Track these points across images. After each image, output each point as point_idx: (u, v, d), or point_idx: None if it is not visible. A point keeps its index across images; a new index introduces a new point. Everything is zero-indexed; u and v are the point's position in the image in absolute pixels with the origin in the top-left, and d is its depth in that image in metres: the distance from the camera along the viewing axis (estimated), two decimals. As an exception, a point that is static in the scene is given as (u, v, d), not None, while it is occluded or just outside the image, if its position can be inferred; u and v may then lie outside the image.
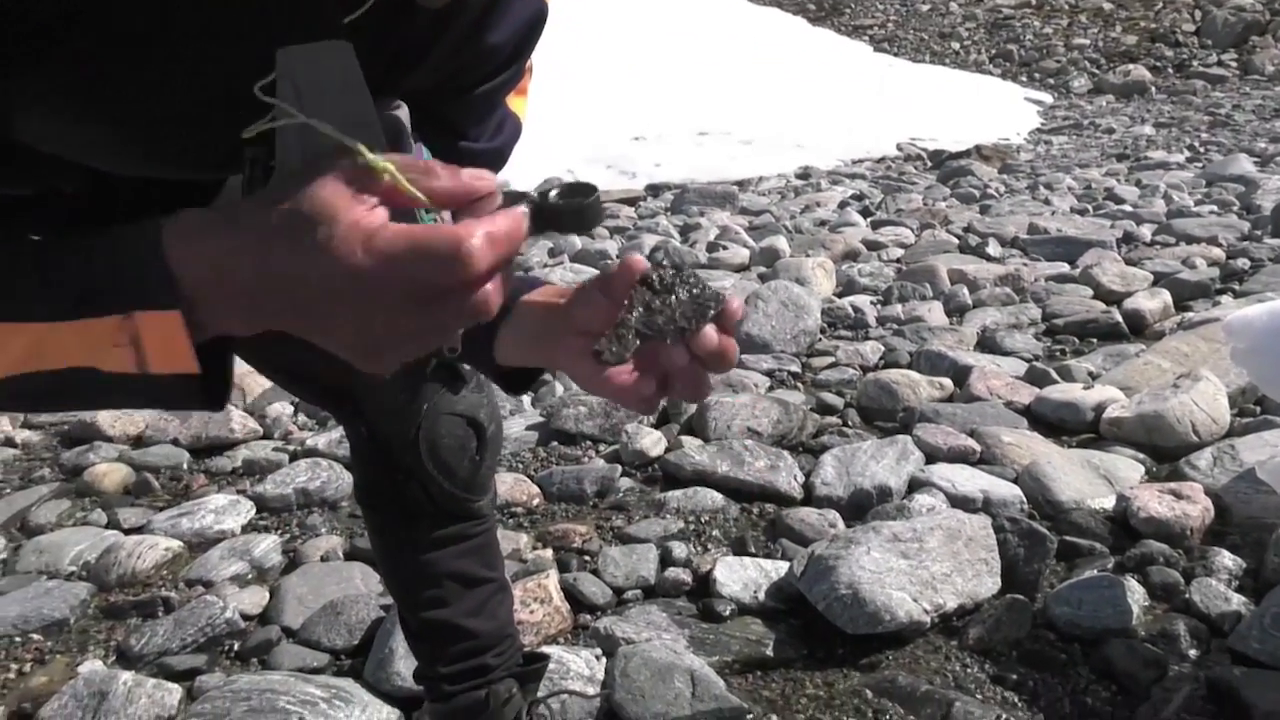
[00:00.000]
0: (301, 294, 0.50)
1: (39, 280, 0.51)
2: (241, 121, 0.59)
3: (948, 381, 2.64)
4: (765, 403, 2.44)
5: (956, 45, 15.12)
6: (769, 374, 2.93)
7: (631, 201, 6.93)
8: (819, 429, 2.44)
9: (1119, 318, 3.27)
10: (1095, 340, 3.19)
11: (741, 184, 8.05)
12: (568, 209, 0.60)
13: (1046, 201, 5.79)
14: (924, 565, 1.59)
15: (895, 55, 14.80)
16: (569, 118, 9.06)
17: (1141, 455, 2.13)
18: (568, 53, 10.55)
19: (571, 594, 1.71)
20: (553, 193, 0.61)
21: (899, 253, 4.54)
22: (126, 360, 0.52)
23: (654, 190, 7.75)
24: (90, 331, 0.51)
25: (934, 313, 3.50)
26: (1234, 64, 13.57)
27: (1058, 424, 2.36)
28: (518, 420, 2.61)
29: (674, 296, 0.62)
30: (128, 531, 2.09)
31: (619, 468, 2.24)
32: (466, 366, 1.09)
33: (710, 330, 0.62)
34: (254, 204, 0.52)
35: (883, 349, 3.12)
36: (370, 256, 0.49)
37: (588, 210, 0.61)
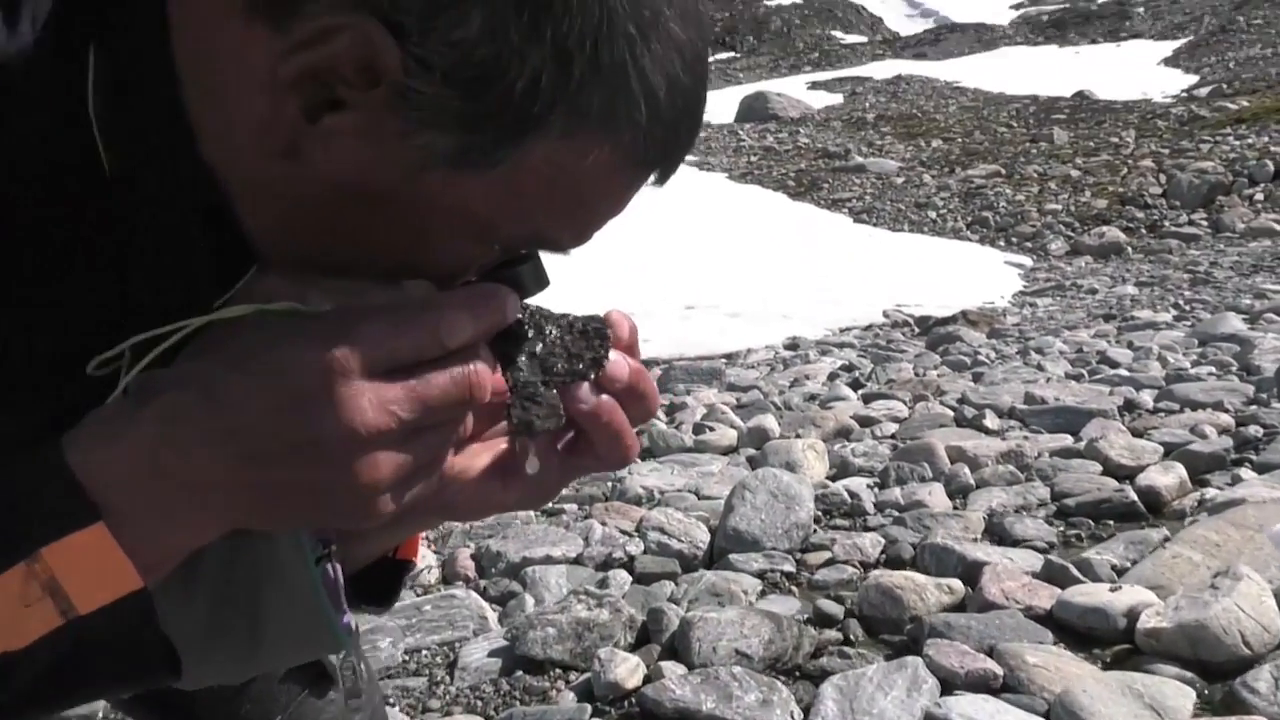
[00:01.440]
0: (267, 428, 0.45)
1: None
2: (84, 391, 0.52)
3: (957, 584, 2.38)
4: (755, 618, 2.17)
5: (933, 214, 15.56)
6: (760, 575, 2.67)
7: (618, 379, 6.82)
8: (817, 647, 2.16)
9: (1133, 496, 3.05)
10: (1112, 523, 2.96)
11: (730, 356, 7.98)
12: (508, 276, 0.57)
13: (1039, 367, 5.67)
14: None
15: (874, 225, 15.20)
16: (554, 297, 9.12)
17: (1189, 674, 1.85)
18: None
19: None
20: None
21: (893, 428, 4.35)
22: (48, 615, 0.43)
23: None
24: None
25: (935, 495, 3.27)
26: (1205, 223, 13.92)
27: (1086, 634, 2.09)
28: (480, 644, 2.33)
29: (547, 335, 0.55)
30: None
31: (589, 707, 1.95)
32: (335, 660, 0.87)
33: (619, 357, 0.56)
34: (172, 371, 0.48)
35: (883, 541, 2.87)
36: (340, 340, 0.45)
37: (524, 272, 0.58)
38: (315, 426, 0.45)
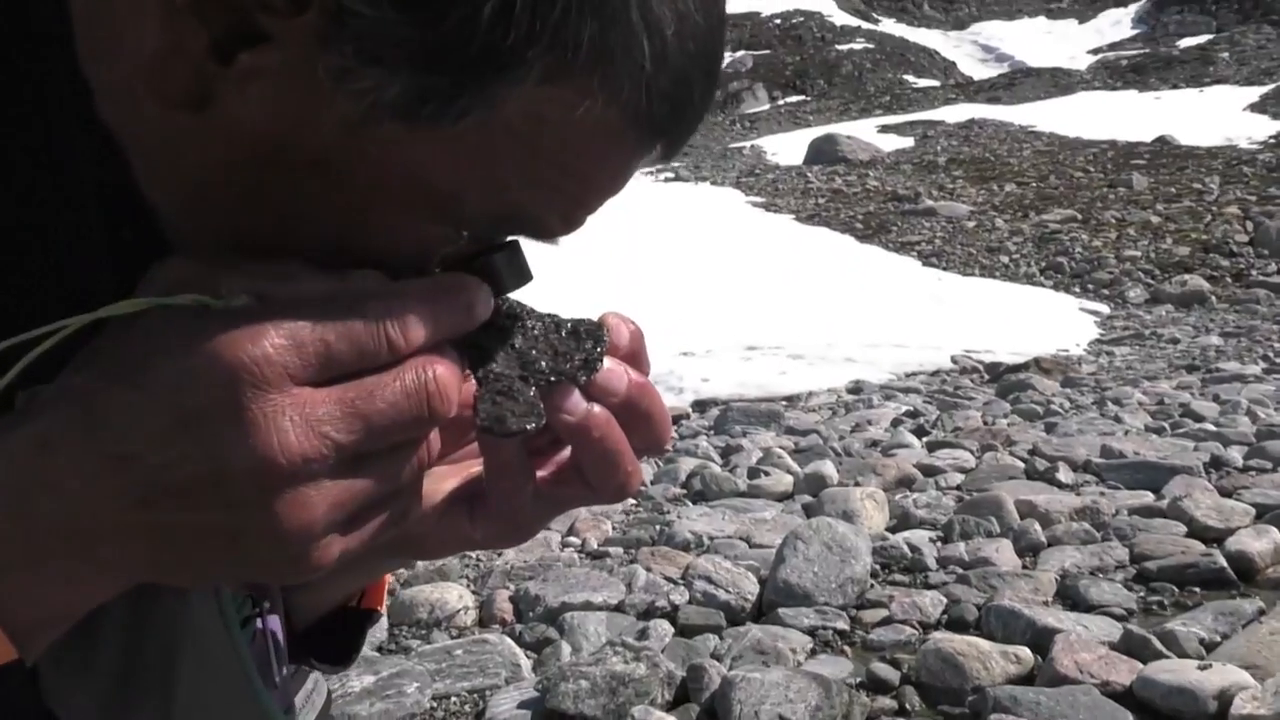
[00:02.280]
0: (159, 458, 0.36)
1: None
2: None
3: (1026, 652, 2.19)
4: (802, 681, 2.02)
5: (1005, 259, 15.17)
6: (810, 632, 2.51)
7: (675, 419, 6.72)
8: (869, 716, 2.00)
9: (1223, 562, 2.82)
10: (1198, 590, 2.73)
11: (791, 399, 7.80)
12: (479, 265, 0.46)
13: (1117, 419, 5.39)
14: None
15: (944, 269, 14.88)
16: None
17: (1291, 770, 1.65)
18: (614, 269, 10.77)
19: None
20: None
21: (959, 479, 4.14)
22: None
23: (700, 406, 7.56)
24: None
25: (1002, 552, 3.07)
26: (1296, 273, 13.30)
27: (1170, 716, 1.89)
28: (510, 693, 2.21)
29: (527, 328, 0.45)
30: None
31: (618, 771, 1.82)
32: None
33: (616, 365, 0.45)
34: (54, 386, 0.39)
35: (945, 600, 2.69)
36: (254, 340, 0.36)
37: (498, 261, 0.46)
38: (219, 455, 0.36)
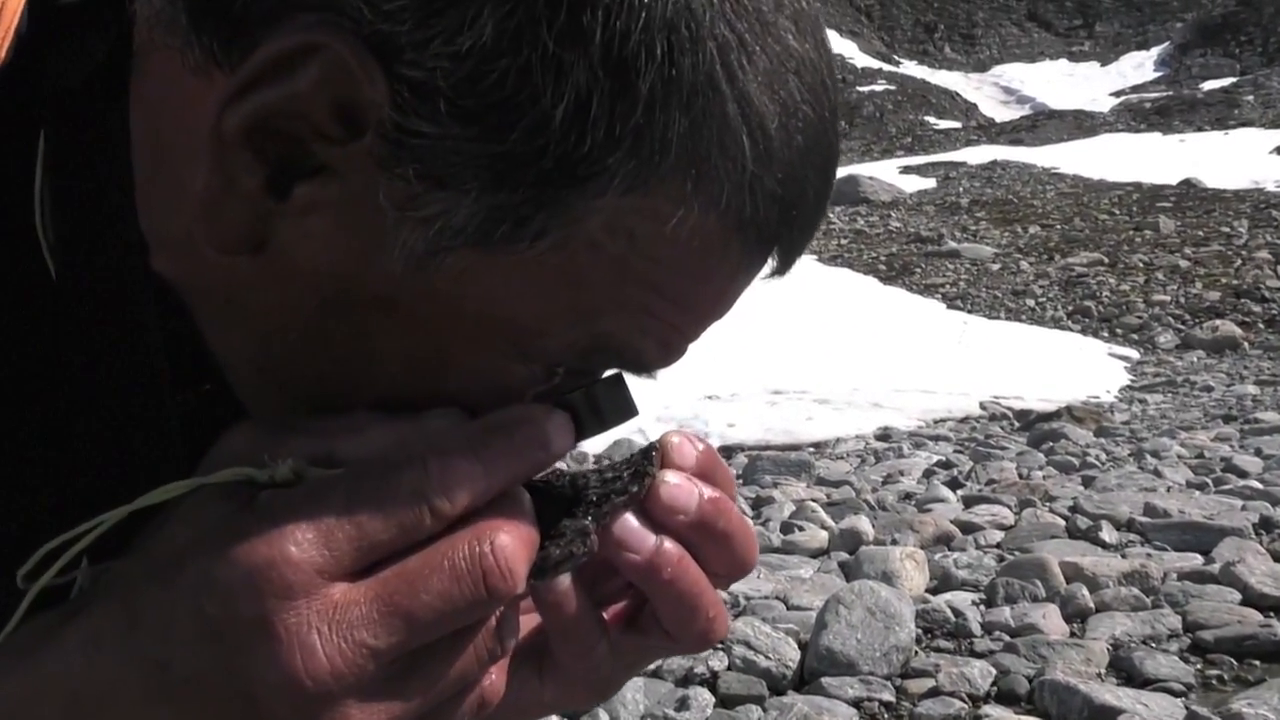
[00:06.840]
0: (189, 666, 0.32)
1: None
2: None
3: (1086, 734, 2.11)
4: (854, 763, 1.94)
5: (1031, 302, 15.08)
6: (856, 704, 2.43)
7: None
8: (925, 803, 1.91)
9: (1283, 633, 2.72)
10: (1258, 663, 2.63)
11: (818, 445, 7.72)
12: (573, 399, 0.41)
13: (1157, 473, 5.27)
14: None
15: (969, 312, 14.79)
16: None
17: None
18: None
19: None
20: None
21: (998, 536, 4.05)
22: None
23: (727, 452, 7.48)
24: None
25: (1050, 619, 2.98)
26: (1329, 319, 13.13)
27: (1247, 810, 1.80)
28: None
29: (578, 478, 0.42)
30: None
31: None
32: None
33: (683, 480, 0.40)
34: (110, 574, 0.37)
35: (994, 671, 2.60)
36: (282, 533, 0.32)
37: (599, 392, 0.42)
38: (244, 673, 0.32)
